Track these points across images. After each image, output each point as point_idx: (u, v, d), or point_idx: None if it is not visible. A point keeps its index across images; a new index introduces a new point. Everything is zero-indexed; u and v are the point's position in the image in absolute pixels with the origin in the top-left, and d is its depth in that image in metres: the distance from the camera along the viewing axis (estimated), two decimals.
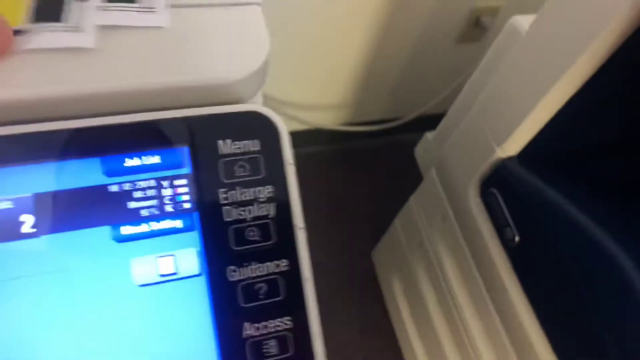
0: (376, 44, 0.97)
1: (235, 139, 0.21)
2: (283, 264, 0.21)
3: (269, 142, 0.21)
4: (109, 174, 0.20)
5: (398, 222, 0.89)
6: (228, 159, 0.21)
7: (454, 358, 0.75)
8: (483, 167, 0.67)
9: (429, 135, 0.88)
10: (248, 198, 0.21)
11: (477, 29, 1.00)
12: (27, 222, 0.19)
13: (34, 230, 0.19)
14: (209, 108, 0.21)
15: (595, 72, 0.51)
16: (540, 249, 0.59)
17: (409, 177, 0.90)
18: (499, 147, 0.64)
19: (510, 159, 0.65)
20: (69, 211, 0.19)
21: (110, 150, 0.20)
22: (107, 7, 0.22)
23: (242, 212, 0.21)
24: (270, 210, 0.21)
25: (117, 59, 0.21)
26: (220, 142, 0.21)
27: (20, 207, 0.19)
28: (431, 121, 1.00)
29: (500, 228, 0.66)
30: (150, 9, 0.22)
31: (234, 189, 0.21)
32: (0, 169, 0.19)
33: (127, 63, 0.21)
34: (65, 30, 0.21)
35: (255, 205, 0.21)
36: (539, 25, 0.57)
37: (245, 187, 0.21)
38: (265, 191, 0.21)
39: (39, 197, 0.19)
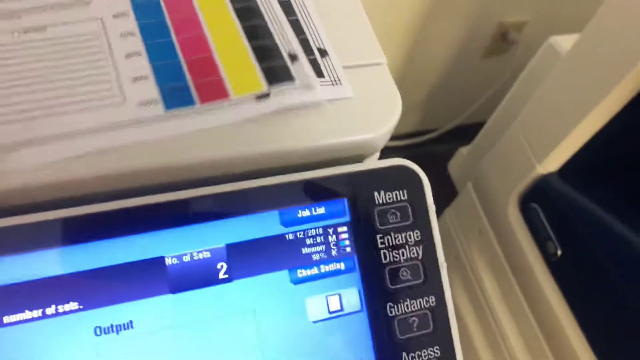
0: (406, 60, 0.99)
1: (387, 189, 0.24)
2: (432, 300, 0.24)
3: (415, 191, 0.24)
4: (286, 224, 0.23)
5: None
6: (381, 207, 0.24)
7: None
8: (523, 183, 0.69)
9: (463, 150, 0.90)
10: (400, 242, 0.24)
11: (504, 43, 1.02)
12: (222, 269, 0.22)
13: (227, 276, 0.22)
14: (364, 164, 0.24)
15: (638, 91, 0.53)
16: (583, 262, 0.60)
17: (441, 191, 0.92)
18: (539, 164, 0.66)
19: (551, 174, 0.66)
20: (255, 258, 0.22)
21: (286, 204, 0.23)
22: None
23: (396, 255, 0.24)
24: (419, 252, 0.24)
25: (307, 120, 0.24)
26: (375, 193, 0.24)
27: (216, 256, 0.22)
28: (461, 133, 1.03)
29: (541, 242, 0.68)
30: (337, 82, 0.26)
31: (388, 234, 0.24)
32: (199, 225, 0.22)
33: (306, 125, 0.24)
34: (302, 89, 0.25)
35: (406, 248, 0.24)
36: (581, 46, 0.59)
37: (397, 232, 0.24)
38: (414, 235, 0.24)
39: (230, 247, 0.22)
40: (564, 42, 0.70)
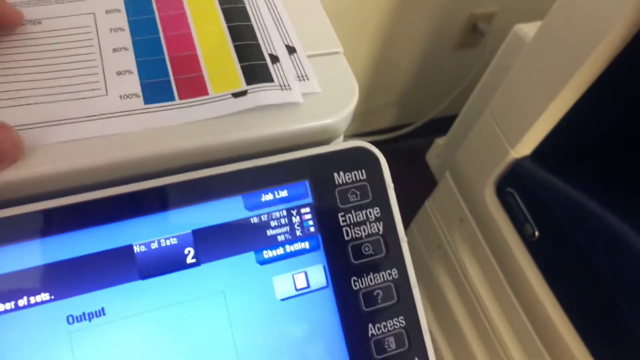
0: (379, 56, 1.00)
1: (346, 170, 0.25)
2: (394, 272, 0.25)
3: (373, 170, 0.25)
4: (250, 208, 0.24)
5: (415, 226, 0.91)
6: (342, 187, 0.25)
7: (482, 357, 0.77)
8: (498, 168, 0.70)
9: (440, 141, 0.91)
10: (361, 219, 0.25)
11: (475, 35, 1.04)
12: (190, 254, 0.23)
13: (195, 260, 0.23)
14: (323, 147, 0.25)
15: (601, 72, 0.54)
16: (561, 242, 0.61)
17: (421, 182, 0.93)
18: (512, 149, 0.67)
19: (524, 158, 0.68)
20: (221, 242, 0.23)
21: (249, 189, 0.24)
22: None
23: (358, 232, 0.25)
24: (380, 227, 0.25)
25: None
26: (335, 174, 0.25)
27: (183, 242, 0.23)
28: (438, 126, 1.04)
29: (519, 225, 0.69)
30: (287, 87, 0.27)
31: (349, 213, 0.25)
32: (165, 213, 0.23)
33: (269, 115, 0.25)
34: (280, 90, 0.26)
35: (367, 225, 0.25)
36: (543, 33, 0.60)
37: (358, 210, 0.25)
38: (374, 212, 0.25)
39: (196, 233, 0.23)
40: (529, 29, 0.71)
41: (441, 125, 0.99)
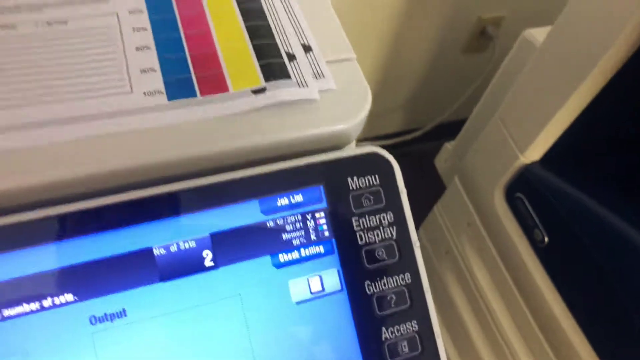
0: (387, 61, 1.00)
1: (360, 175, 0.25)
2: (407, 277, 0.25)
3: (386, 176, 0.26)
4: (266, 212, 0.25)
5: (422, 231, 0.91)
6: (356, 192, 0.25)
7: None
8: (507, 174, 0.70)
9: (448, 146, 0.91)
10: (374, 224, 0.25)
11: (483, 39, 1.04)
12: (208, 257, 0.23)
13: (213, 263, 0.24)
14: (338, 152, 0.26)
15: (611, 76, 0.54)
16: (570, 248, 0.61)
17: (429, 187, 0.93)
18: (522, 154, 0.67)
19: (533, 164, 0.68)
20: (238, 246, 0.24)
21: (265, 193, 0.25)
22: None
23: (371, 236, 0.25)
24: (393, 232, 0.25)
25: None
26: (349, 179, 0.25)
27: (202, 245, 0.24)
28: (446, 130, 1.04)
29: (528, 230, 0.69)
30: (304, 85, 0.28)
31: (363, 217, 0.25)
32: (184, 216, 0.24)
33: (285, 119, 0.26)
34: (298, 86, 0.27)
35: (380, 230, 0.25)
36: (553, 38, 0.60)
37: (372, 215, 0.25)
38: (388, 217, 0.25)
39: (214, 236, 0.24)
40: (539, 34, 0.71)
41: (449, 129, 0.99)
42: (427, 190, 0.93)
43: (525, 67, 0.67)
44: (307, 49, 0.29)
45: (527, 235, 0.69)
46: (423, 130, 1.06)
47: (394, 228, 0.25)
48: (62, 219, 0.22)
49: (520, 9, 0.99)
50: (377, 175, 0.25)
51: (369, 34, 0.94)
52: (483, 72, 0.96)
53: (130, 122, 0.25)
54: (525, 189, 0.69)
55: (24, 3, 0.28)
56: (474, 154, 0.78)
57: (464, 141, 0.84)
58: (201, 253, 0.23)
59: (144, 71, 0.27)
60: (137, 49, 0.28)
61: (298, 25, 0.30)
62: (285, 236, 0.24)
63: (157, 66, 0.27)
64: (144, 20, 0.29)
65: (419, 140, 1.08)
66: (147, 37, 0.28)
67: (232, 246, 0.24)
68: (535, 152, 0.65)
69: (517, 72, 0.69)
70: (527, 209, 0.69)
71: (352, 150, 0.26)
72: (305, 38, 0.30)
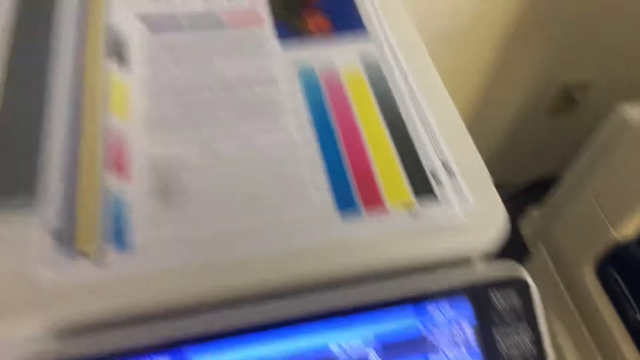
0: (471, 120, 1.03)
1: (502, 293, 0.29)
2: None
3: (525, 296, 0.29)
4: (423, 323, 0.28)
5: None
6: (500, 310, 0.29)
7: None
8: (599, 249, 0.70)
9: (534, 212, 0.91)
10: (517, 342, 0.28)
11: (568, 103, 1.04)
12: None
13: None
14: (485, 271, 0.29)
15: None
16: None
17: (510, 247, 0.93)
18: (615, 230, 0.67)
19: (628, 241, 0.67)
20: (399, 350, 0.28)
21: (423, 306, 0.29)
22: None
23: (514, 351, 0.28)
24: (533, 349, 0.28)
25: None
26: (492, 296, 0.29)
27: (367, 345, 0.28)
28: (528, 191, 1.04)
29: (620, 306, 0.68)
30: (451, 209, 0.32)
31: (507, 337, 0.28)
32: (353, 317, 0.28)
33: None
34: (447, 211, 0.31)
35: (520, 345, 0.28)
36: None
37: (514, 333, 0.29)
38: (527, 334, 0.29)
39: (377, 338, 0.28)
40: (634, 111, 0.72)
41: (532, 191, 0.99)
42: (508, 250, 0.92)
43: (619, 144, 0.68)
44: (450, 172, 0.33)
45: (618, 311, 0.68)
46: (506, 191, 1.07)
47: (534, 345, 0.28)
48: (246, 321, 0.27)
49: (607, 74, 0.99)
50: (516, 293, 0.29)
51: (454, 97, 0.97)
52: (568, 136, 0.97)
53: (307, 233, 0.30)
54: (618, 265, 0.68)
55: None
56: (563, 226, 0.78)
57: (551, 210, 0.85)
58: (367, 355, 0.27)
59: (317, 188, 0.32)
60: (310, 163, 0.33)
61: (439, 147, 0.35)
62: (439, 345, 0.28)
63: (327, 183, 0.32)
64: (310, 133, 0.35)
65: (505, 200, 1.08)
66: (317, 156, 0.33)
67: (394, 350, 0.28)
68: (629, 229, 0.65)
69: (609, 145, 0.69)
70: (620, 285, 0.68)
71: (497, 269, 0.29)
72: (447, 160, 0.34)
